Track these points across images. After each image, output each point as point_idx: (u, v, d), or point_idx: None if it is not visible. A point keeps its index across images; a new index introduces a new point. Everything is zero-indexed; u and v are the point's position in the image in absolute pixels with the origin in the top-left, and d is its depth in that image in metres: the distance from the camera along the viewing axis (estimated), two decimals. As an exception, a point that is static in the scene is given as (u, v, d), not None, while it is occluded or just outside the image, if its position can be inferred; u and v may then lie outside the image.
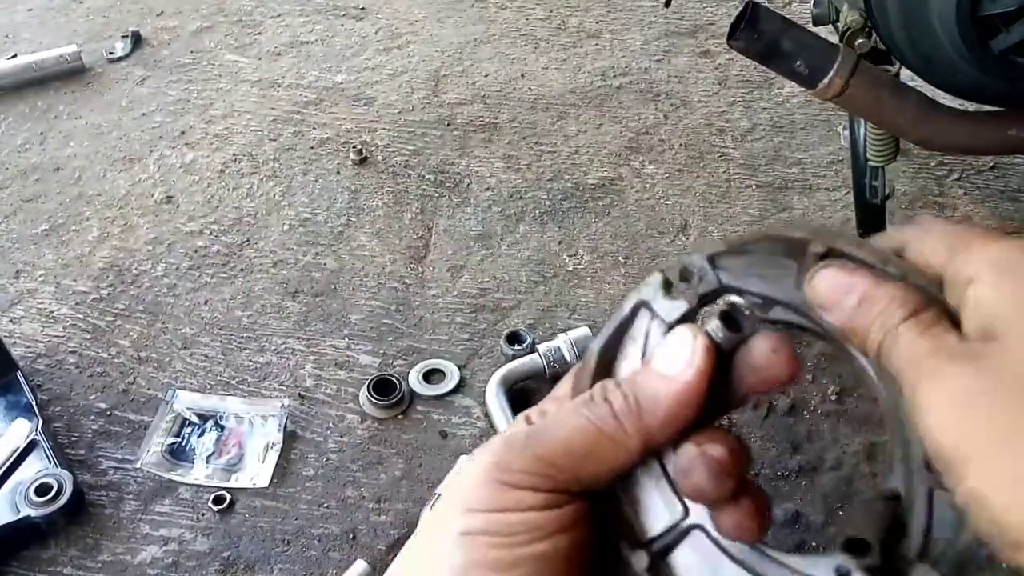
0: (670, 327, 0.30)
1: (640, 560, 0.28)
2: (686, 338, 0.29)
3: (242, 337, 1.16)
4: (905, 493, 0.27)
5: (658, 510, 0.28)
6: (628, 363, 0.31)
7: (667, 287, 0.31)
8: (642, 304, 0.31)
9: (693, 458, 0.28)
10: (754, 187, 1.34)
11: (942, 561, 0.25)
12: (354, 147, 1.42)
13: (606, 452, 0.28)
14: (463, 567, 0.27)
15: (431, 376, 1.09)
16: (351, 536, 0.95)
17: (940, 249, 0.27)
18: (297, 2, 1.78)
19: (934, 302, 0.26)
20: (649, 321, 0.31)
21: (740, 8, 0.76)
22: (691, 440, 0.28)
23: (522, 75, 1.56)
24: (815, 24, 0.88)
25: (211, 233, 1.31)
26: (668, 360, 0.29)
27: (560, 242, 1.27)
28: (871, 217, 1.05)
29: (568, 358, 1.06)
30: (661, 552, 0.28)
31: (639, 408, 0.28)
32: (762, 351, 0.29)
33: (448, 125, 1.47)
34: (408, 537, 1.01)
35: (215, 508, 0.97)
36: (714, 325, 0.29)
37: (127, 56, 1.66)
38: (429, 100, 1.52)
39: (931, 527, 0.25)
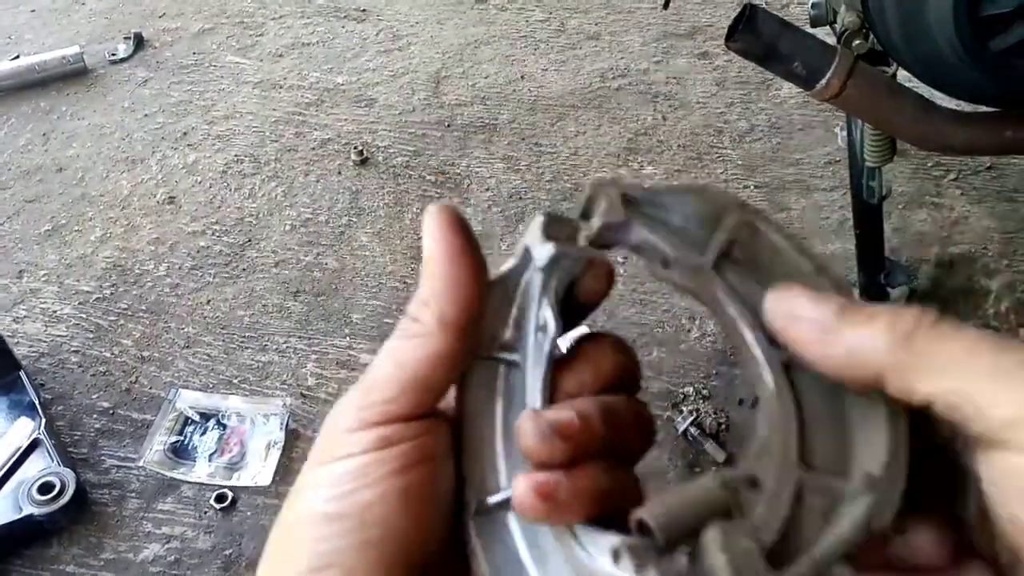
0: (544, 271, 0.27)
1: (472, 511, 0.25)
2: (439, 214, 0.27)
3: (244, 336, 1.16)
4: (767, 484, 0.24)
5: (497, 467, 0.26)
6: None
7: (553, 226, 0.28)
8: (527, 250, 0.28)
9: (525, 417, 0.25)
10: (752, 188, 1.34)
11: (799, 557, 0.23)
12: (355, 148, 1.42)
13: (415, 361, 0.26)
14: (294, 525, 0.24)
15: (432, 375, 1.09)
16: (353, 534, 0.95)
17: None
18: (298, 4, 1.79)
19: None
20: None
21: (738, 10, 0.76)
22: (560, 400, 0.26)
23: (522, 76, 1.57)
24: (813, 25, 0.88)
25: (213, 233, 1.32)
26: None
27: (560, 242, 1.28)
28: (868, 217, 1.06)
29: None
30: (498, 506, 0.26)
31: (433, 303, 0.26)
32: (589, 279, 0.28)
33: (448, 126, 1.48)
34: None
35: (217, 506, 0.97)
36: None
37: (129, 57, 1.66)
38: (430, 101, 1.53)
39: (795, 521, 0.23)
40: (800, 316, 0.25)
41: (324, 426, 0.27)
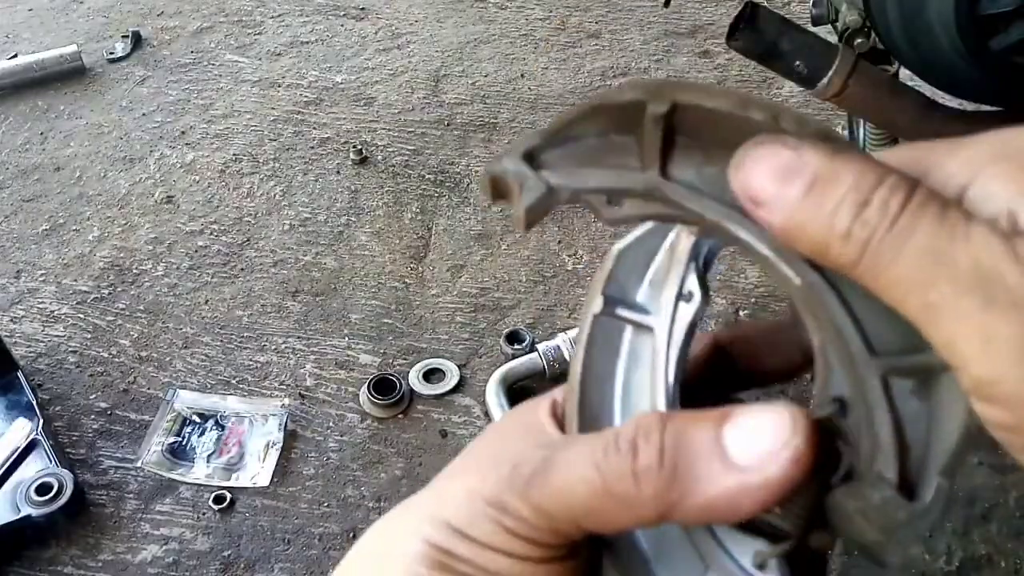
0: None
1: None
2: (781, 420, 0.20)
3: (242, 336, 1.16)
4: (852, 396, 0.21)
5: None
6: (639, 395, 0.24)
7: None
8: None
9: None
10: (753, 187, 1.34)
11: (927, 471, 0.20)
12: (354, 147, 1.42)
13: (611, 514, 0.22)
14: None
15: (431, 375, 1.09)
16: (351, 535, 0.95)
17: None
18: (297, 2, 1.78)
19: (916, 180, 0.19)
20: (634, 333, 0.24)
21: (739, 8, 0.76)
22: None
23: (522, 75, 1.57)
24: (814, 24, 0.88)
25: (211, 233, 1.31)
26: (745, 447, 0.20)
27: (559, 242, 1.27)
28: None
29: (567, 357, 1.06)
30: None
31: (674, 481, 0.21)
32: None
33: (448, 125, 1.47)
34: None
35: (216, 507, 0.97)
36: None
37: (127, 56, 1.66)
38: (429, 100, 1.52)
39: (901, 427, 0.20)
40: (760, 200, 0.20)
41: (464, 490, 0.24)
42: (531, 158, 0.23)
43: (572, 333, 1.08)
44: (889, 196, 0.19)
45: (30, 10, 1.82)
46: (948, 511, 0.93)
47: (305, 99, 1.54)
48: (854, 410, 0.21)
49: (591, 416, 0.25)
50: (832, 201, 0.19)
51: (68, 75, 1.60)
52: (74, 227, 1.34)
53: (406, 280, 1.23)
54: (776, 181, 0.20)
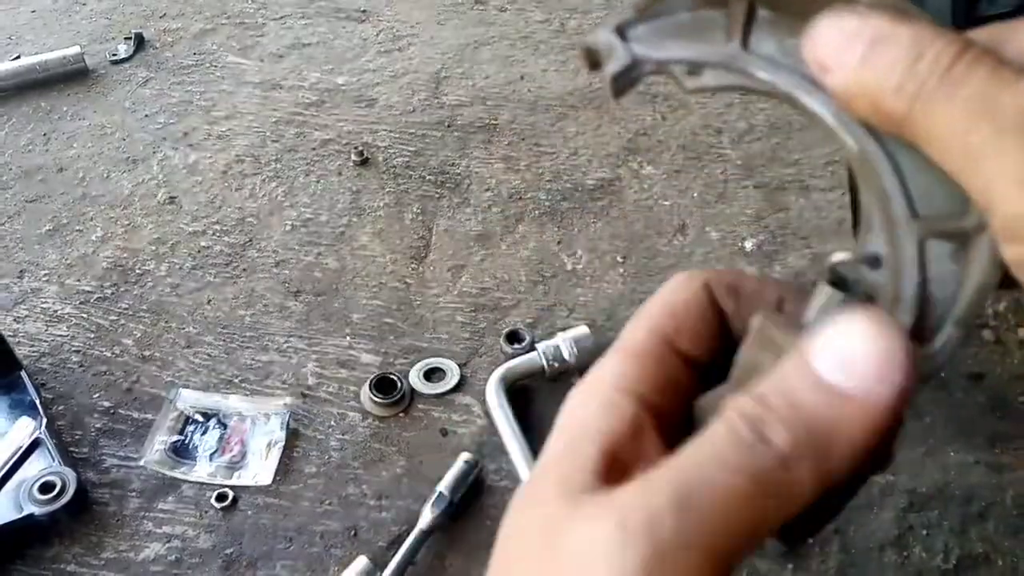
0: None
1: None
2: (869, 328, 0.19)
3: (245, 336, 1.17)
4: (887, 254, 0.21)
5: None
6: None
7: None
8: None
9: None
10: (751, 188, 1.35)
11: (944, 323, 0.20)
12: (355, 148, 1.43)
13: (775, 512, 0.19)
14: None
15: (432, 375, 1.10)
16: (353, 533, 0.96)
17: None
18: (299, 4, 1.79)
19: (971, 39, 0.20)
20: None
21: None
22: None
23: (522, 77, 1.57)
24: (811, 26, 0.89)
25: (214, 233, 1.32)
26: (846, 367, 0.19)
27: (559, 242, 1.28)
28: (867, 217, 1.06)
29: (567, 357, 1.06)
30: None
31: (816, 448, 0.19)
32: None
33: (448, 126, 1.48)
34: (408, 533, 1.01)
35: (218, 505, 0.98)
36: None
37: (130, 58, 1.67)
38: (430, 102, 1.53)
39: (926, 282, 0.20)
40: (826, 66, 0.20)
41: (624, 541, 0.19)
42: (622, 31, 0.24)
43: (571, 333, 1.09)
44: (942, 51, 0.19)
45: (33, 12, 1.82)
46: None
47: (307, 101, 1.55)
48: (885, 266, 0.21)
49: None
50: (887, 59, 0.20)
51: (71, 76, 1.61)
52: (77, 227, 1.35)
53: (407, 280, 1.24)
54: (840, 46, 0.20)
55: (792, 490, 0.19)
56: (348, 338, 1.16)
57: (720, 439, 0.20)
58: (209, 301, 1.22)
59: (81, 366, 1.14)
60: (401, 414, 1.06)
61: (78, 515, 0.96)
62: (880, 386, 0.19)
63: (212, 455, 1.02)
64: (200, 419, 1.06)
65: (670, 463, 0.20)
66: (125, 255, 1.29)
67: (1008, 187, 0.18)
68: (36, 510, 0.94)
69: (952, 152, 0.19)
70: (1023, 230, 0.19)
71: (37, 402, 1.04)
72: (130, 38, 1.69)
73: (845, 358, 0.19)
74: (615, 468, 0.21)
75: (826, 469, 0.19)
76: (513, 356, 1.09)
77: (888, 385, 0.19)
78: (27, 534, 0.95)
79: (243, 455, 1.02)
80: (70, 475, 0.96)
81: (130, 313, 1.21)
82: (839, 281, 0.22)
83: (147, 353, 1.15)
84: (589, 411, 0.23)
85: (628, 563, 0.18)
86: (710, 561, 0.19)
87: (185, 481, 1.00)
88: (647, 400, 0.23)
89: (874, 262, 0.22)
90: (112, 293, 1.24)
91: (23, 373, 1.07)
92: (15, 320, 1.20)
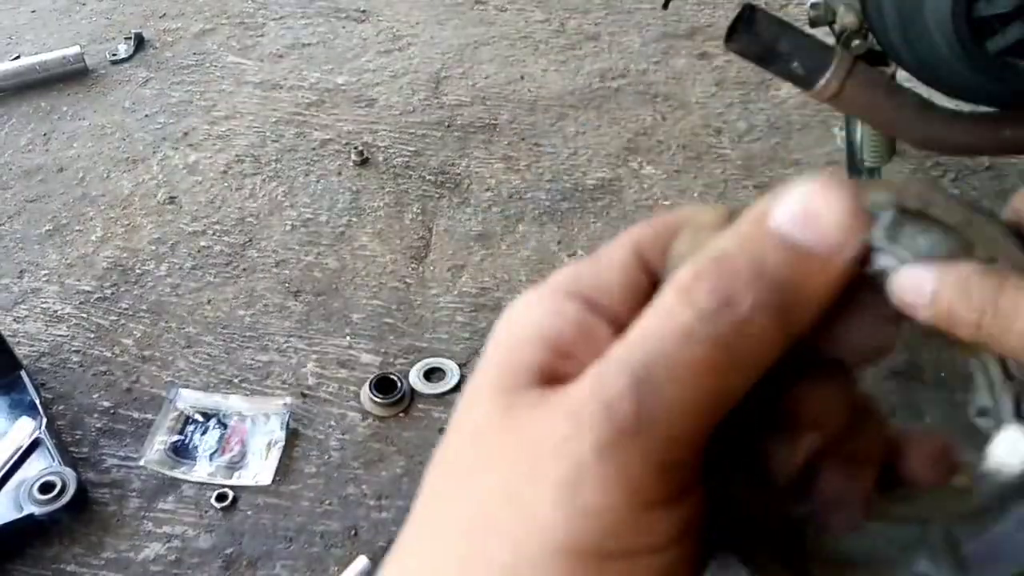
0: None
1: None
2: (830, 185, 0.18)
3: (245, 336, 1.17)
4: (992, 408, 0.23)
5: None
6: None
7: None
8: None
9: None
10: (751, 188, 1.34)
11: None
12: (355, 148, 1.42)
13: (739, 382, 0.18)
14: None
15: (432, 374, 1.10)
16: (353, 533, 0.96)
17: None
18: (299, 4, 1.79)
19: None
20: None
21: (737, 10, 0.76)
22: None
23: (521, 77, 1.57)
24: (812, 26, 0.88)
25: (214, 233, 1.32)
26: (808, 223, 0.18)
27: (559, 242, 1.28)
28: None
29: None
30: None
31: (780, 309, 0.18)
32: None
33: (448, 126, 1.48)
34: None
35: (218, 505, 0.97)
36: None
37: (130, 58, 1.67)
38: (430, 101, 1.53)
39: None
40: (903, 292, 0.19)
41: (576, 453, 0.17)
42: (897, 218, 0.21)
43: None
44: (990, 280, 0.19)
45: (33, 12, 1.82)
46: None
47: (307, 101, 1.55)
48: (991, 416, 0.24)
49: None
50: (963, 305, 0.19)
51: (71, 76, 1.61)
52: (77, 227, 1.34)
53: (407, 280, 1.23)
54: (912, 288, 0.20)
55: (757, 356, 0.18)
56: (348, 338, 1.16)
57: (677, 308, 0.18)
58: (209, 301, 1.22)
59: (81, 366, 1.14)
60: (401, 414, 1.06)
61: (78, 515, 0.96)
62: (843, 239, 0.18)
63: (212, 455, 1.02)
64: (200, 419, 1.06)
65: (623, 343, 0.18)
66: (125, 255, 1.29)
67: None
68: (36, 510, 0.94)
69: None
70: None
71: (37, 402, 1.04)
72: (130, 38, 1.69)
73: (807, 214, 0.18)
74: (561, 371, 0.19)
75: (790, 332, 0.18)
76: (513, 356, 1.09)
77: (851, 238, 0.19)
78: (27, 534, 0.95)
79: (243, 455, 1.02)
80: (70, 475, 0.96)
81: (130, 313, 1.21)
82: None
83: (147, 353, 1.15)
84: (533, 313, 0.20)
85: (582, 453, 0.17)
86: (669, 445, 0.17)
87: (185, 481, 1.00)
88: (604, 308, 0.20)
89: (983, 414, 0.24)
90: (112, 293, 1.24)
91: (23, 373, 1.07)
92: (15, 320, 1.20)
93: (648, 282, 0.20)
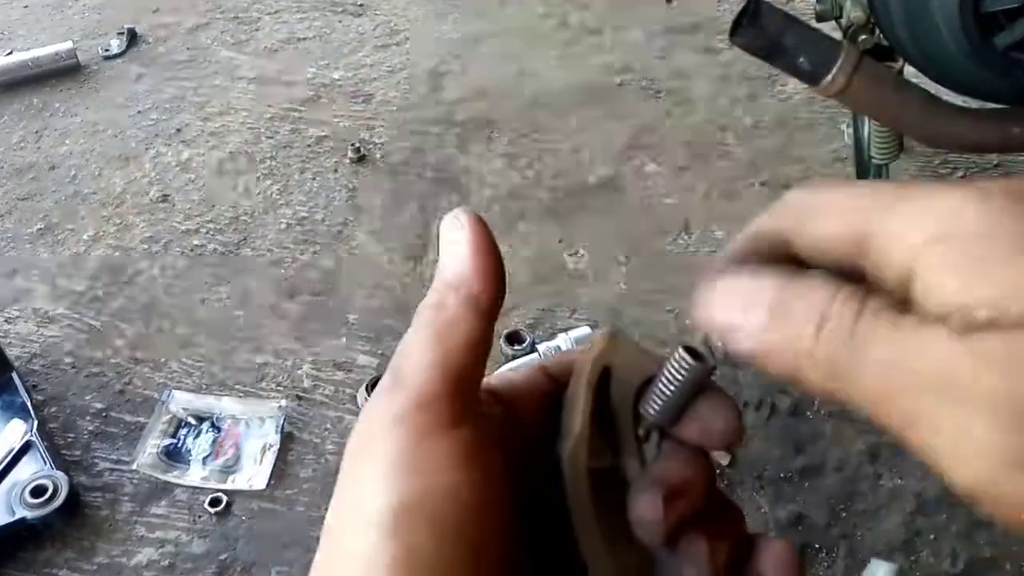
0: None
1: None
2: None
3: (239, 337, 1.15)
4: None
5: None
6: None
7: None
8: None
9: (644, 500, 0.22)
10: (757, 185, 1.33)
11: None
12: (352, 145, 1.40)
13: (455, 348, 0.24)
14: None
15: (429, 376, 1.08)
16: (349, 538, 0.94)
17: (852, 218, 0.20)
18: (295, -2, 1.77)
19: (870, 288, 0.19)
20: None
21: (743, 5, 0.75)
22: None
23: (522, 72, 1.55)
24: (818, 21, 0.87)
25: (207, 232, 1.30)
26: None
27: (560, 241, 1.26)
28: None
29: (568, 358, 1.05)
30: None
31: (464, 288, 0.25)
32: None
33: (447, 123, 1.46)
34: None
35: (211, 510, 0.96)
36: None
37: (123, 53, 1.64)
38: (428, 97, 1.51)
39: None
40: (728, 331, 0.21)
41: (359, 423, 0.24)
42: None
43: (573, 333, 1.07)
44: (843, 311, 0.19)
45: (25, 7, 1.80)
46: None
47: (302, 96, 1.53)
48: None
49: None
50: (793, 325, 0.19)
51: (63, 72, 1.59)
52: (69, 226, 1.33)
53: (404, 280, 1.22)
54: (739, 311, 0.20)
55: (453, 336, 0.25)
56: (344, 339, 1.14)
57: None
58: (203, 301, 1.20)
59: (73, 367, 1.12)
60: (398, 417, 1.05)
61: (70, 519, 0.95)
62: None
63: (205, 459, 1.01)
64: (193, 422, 1.04)
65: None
66: (117, 254, 1.27)
67: (949, 455, 0.18)
68: (28, 514, 0.92)
69: (884, 416, 0.19)
70: (984, 495, 0.18)
71: (29, 404, 1.02)
72: (123, 33, 1.66)
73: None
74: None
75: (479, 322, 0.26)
76: (514, 357, 1.07)
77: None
78: (19, 538, 0.94)
79: (237, 459, 1.01)
80: (62, 478, 0.94)
81: (122, 314, 1.19)
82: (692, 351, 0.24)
83: (139, 354, 1.13)
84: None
85: (380, 416, 0.24)
86: (419, 391, 0.24)
87: (178, 485, 0.99)
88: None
89: None
90: (104, 293, 1.22)
91: (14, 375, 1.06)
92: (6, 320, 1.19)
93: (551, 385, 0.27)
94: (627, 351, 0.26)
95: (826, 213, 0.21)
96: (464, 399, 0.24)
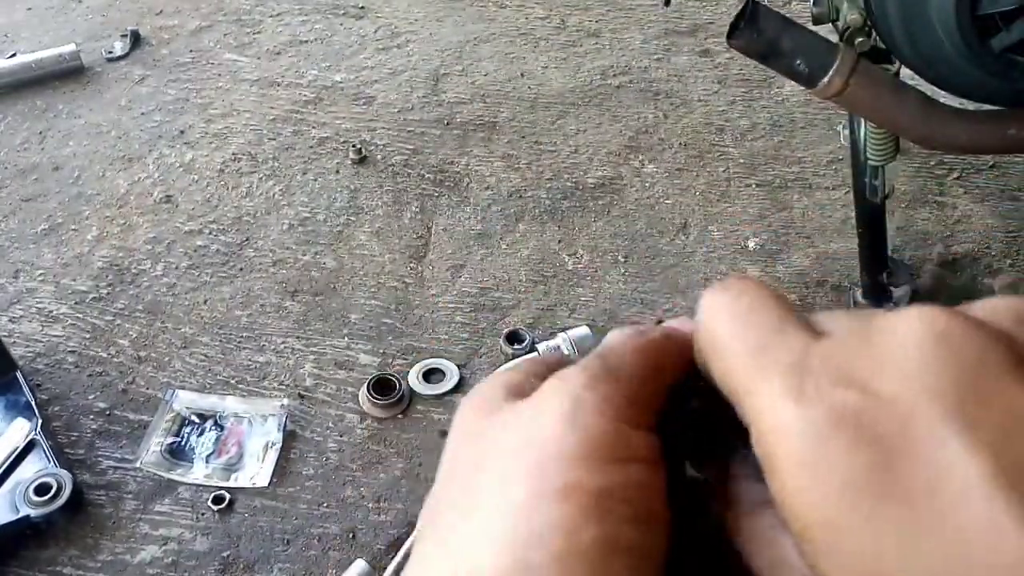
0: None
1: None
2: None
3: (241, 336, 1.16)
4: None
5: None
6: None
7: None
8: None
9: None
10: (754, 186, 1.34)
11: None
12: (353, 146, 1.41)
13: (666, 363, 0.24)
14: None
15: (431, 375, 1.09)
16: (351, 535, 0.95)
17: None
18: (296, 1, 1.78)
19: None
20: None
21: (740, 7, 0.75)
22: None
23: (521, 74, 1.56)
24: (815, 23, 0.87)
25: (210, 232, 1.31)
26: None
27: (560, 241, 1.27)
28: (871, 216, 1.05)
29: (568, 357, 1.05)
30: None
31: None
32: None
33: (447, 124, 1.47)
34: (407, 536, 1.00)
35: (214, 508, 0.97)
36: None
37: (126, 55, 1.65)
38: (428, 99, 1.52)
39: None
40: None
41: (556, 391, 0.23)
42: None
43: (572, 333, 1.08)
44: None
45: (29, 9, 1.81)
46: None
47: (304, 98, 1.54)
48: None
49: None
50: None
51: (67, 74, 1.60)
52: (73, 227, 1.33)
53: (405, 280, 1.22)
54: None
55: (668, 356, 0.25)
56: (346, 338, 1.15)
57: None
58: (205, 301, 1.21)
59: (77, 367, 1.13)
60: (400, 415, 1.05)
61: (74, 517, 0.95)
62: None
63: (208, 457, 1.02)
64: (196, 420, 1.05)
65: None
66: (121, 255, 1.28)
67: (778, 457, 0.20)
68: (32, 512, 0.93)
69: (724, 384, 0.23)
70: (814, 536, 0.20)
71: (33, 403, 1.03)
72: (126, 35, 1.67)
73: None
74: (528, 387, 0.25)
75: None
76: (513, 356, 1.08)
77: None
78: (22, 536, 0.94)
79: (240, 457, 1.01)
80: (66, 477, 0.95)
81: (126, 313, 1.20)
82: None
83: (143, 354, 1.14)
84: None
85: (575, 389, 0.23)
86: (632, 387, 0.24)
87: (181, 483, 0.99)
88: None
89: None
90: (108, 293, 1.23)
91: (18, 374, 1.06)
92: (10, 320, 1.19)
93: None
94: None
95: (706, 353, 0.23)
96: (658, 407, 0.24)
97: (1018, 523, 0.16)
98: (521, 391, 0.24)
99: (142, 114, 1.53)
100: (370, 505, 0.97)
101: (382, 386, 1.06)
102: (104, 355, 1.14)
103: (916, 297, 1.12)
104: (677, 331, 0.25)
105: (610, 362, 0.24)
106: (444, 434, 1.04)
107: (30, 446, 0.99)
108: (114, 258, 1.28)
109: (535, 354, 1.07)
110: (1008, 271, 1.17)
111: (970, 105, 0.85)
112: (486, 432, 0.23)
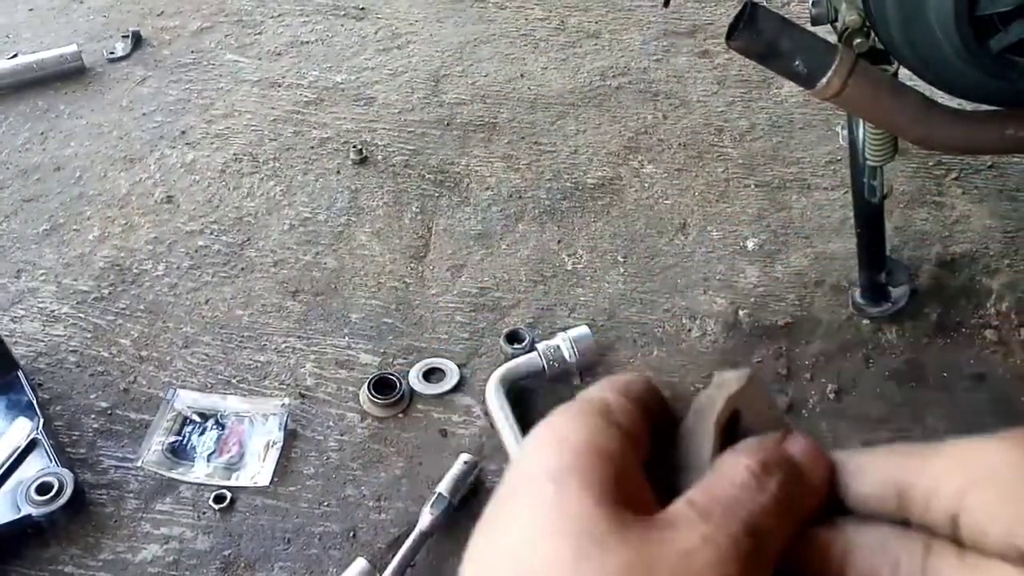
0: None
1: None
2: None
3: (243, 336, 1.16)
4: None
5: None
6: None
7: None
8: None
9: None
10: (752, 187, 1.34)
11: None
12: (354, 147, 1.42)
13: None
14: None
15: (431, 375, 1.09)
16: (351, 534, 0.95)
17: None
18: (297, 2, 1.78)
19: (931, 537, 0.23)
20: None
21: (739, 8, 0.76)
22: None
23: (521, 75, 1.57)
24: (814, 24, 0.88)
25: (212, 232, 1.32)
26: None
27: (559, 241, 1.28)
28: (870, 216, 1.06)
29: (567, 357, 1.06)
30: None
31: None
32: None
33: (448, 125, 1.47)
34: (407, 535, 1.00)
35: (216, 507, 0.97)
36: None
37: (127, 56, 1.66)
38: (429, 100, 1.52)
39: None
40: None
41: (558, 429, 0.25)
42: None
43: (572, 333, 1.08)
44: (912, 549, 0.22)
45: (30, 10, 1.82)
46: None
47: (305, 99, 1.54)
48: None
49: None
50: (873, 568, 0.23)
51: (68, 75, 1.60)
52: (74, 227, 1.34)
53: (406, 280, 1.23)
54: None
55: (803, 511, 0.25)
56: (347, 338, 1.15)
57: (754, 484, 0.25)
58: (207, 301, 1.21)
59: (78, 366, 1.13)
60: (400, 415, 1.06)
61: (75, 516, 0.96)
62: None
63: (210, 456, 1.02)
64: (198, 420, 1.05)
65: (703, 491, 0.25)
66: (122, 255, 1.29)
67: None
68: (33, 511, 0.93)
69: None
70: None
71: (34, 402, 1.03)
72: (127, 36, 1.68)
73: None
74: (626, 489, 0.25)
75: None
76: (513, 356, 1.09)
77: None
78: (24, 535, 0.94)
79: (241, 456, 1.02)
80: (67, 476, 0.95)
81: (127, 313, 1.20)
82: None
83: (144, 353, 1.14)
84: (582, 430, 0.25)
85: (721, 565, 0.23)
86: (770, 562, 0.24)
87: (183, 482, 1.00)
88: (627, 430, 0.26)
89: None
90: (109, 293, 1.23)
91: (20, 373, 1.07)
92: (12, 320, 1.20)
93: (645, 413, 0.27)
94: (759, 400, 0.27)
95: (867, 472, 0.24)
96: (650, 441, 0.26)
97: None
98: (621, 492, 0.24)
99: (143, 115, 1.53)
100: (371, 504, 0.98)
101: (383, 385, 1.06)
102: (106, 354, 1.14)
103: (914, 297, 1.13)
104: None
105: (608, 402, 0.25)
106: (444, 433, 1.04)
107: (32, 445, 0.99)
108: (116, 258, 1.28)
109: (534, 354, 1.07)
110: (1006, 271, 1.17)
111: (968, 105, 0.85)
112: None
